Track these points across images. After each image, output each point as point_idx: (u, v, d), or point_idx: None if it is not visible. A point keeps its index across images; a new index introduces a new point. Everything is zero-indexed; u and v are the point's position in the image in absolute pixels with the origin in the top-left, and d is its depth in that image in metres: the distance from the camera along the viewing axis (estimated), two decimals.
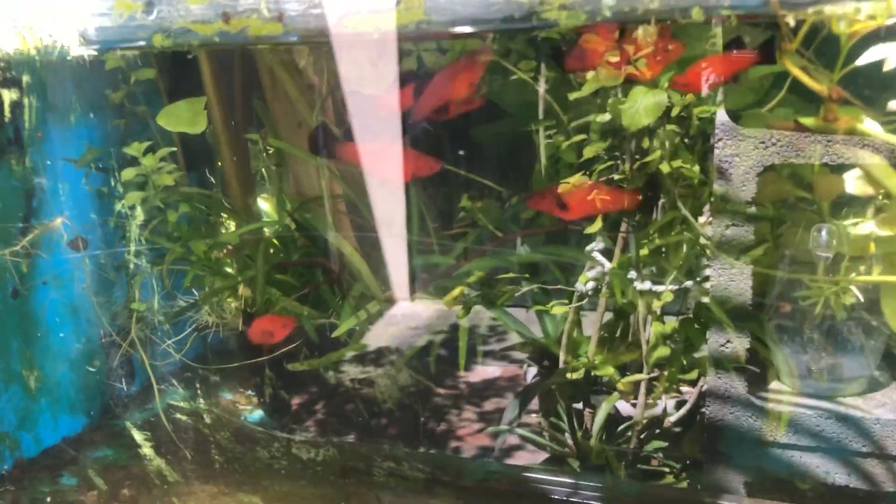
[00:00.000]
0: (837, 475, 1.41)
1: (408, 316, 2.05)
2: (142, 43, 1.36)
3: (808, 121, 1.16)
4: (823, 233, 1.31)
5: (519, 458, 1.79)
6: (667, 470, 1.66)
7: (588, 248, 1.56)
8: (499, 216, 1.79)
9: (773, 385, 1.50)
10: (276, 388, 1.93)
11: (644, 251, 1.51)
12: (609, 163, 1.47)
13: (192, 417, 1.98)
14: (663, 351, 1.56)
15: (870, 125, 1.26)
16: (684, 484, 1.64)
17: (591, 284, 1.56)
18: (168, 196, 1.75)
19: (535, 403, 1.75)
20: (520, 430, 1.75)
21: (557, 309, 1.59)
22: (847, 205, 1.38)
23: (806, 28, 1.08)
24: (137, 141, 1.73)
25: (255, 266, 1.74)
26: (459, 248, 1.72)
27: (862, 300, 1.36)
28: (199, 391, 1.99)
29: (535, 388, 1.75)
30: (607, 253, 1.55)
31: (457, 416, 1.97)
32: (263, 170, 2.04)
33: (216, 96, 1.86)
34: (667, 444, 1.65)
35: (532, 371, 1.82)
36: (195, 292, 1.88)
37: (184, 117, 1.71)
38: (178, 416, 1.97)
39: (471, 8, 1.17)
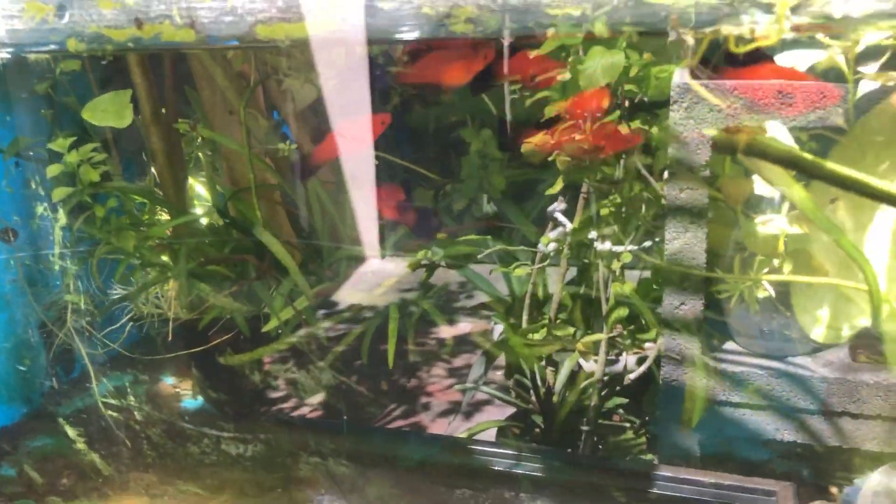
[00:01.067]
0: (786, 432, 1.52)
1: (378, 273, 2.07)
2: (55, 46, 1.34)
3: (710, 131, 1.19)
4: None
5: (487, 414, 1.87)
6: (627, 425, 1.75)
7: (550, 208, 1.58)
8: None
9: (727, 346, 1.58)
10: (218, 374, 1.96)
11: (604, 211, 1.55)
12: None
13: (131, 405, 2.00)
14: (622, 311, 1.61)
15: (778, 130, 1.30)
16: (642, 440, 1.73)
17: (552, 245, 1.60)
18: (97, 189, 1.75)
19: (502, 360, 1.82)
20: (486, 389, 1.80)
21: (519, 271, 1.65)
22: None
23: (705, 45, 1.11)
24: (70, 131, 1.72)
25: (188, 258, 1.74)
26: None
27: None
28: (137, 379, 2.00)
29: (500, 346, 1.79)
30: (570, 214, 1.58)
31: (427, 372, 2.03)
32: (200, 154, 2.04)
33: (145, 86, 1.84)
34: (627, 400, 1.71)
35: (499, 328, 1.85)
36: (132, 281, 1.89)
37: (109, 111, 1.70)
38: (116, 404, 1.98)
39: (379, 19, 1.18)
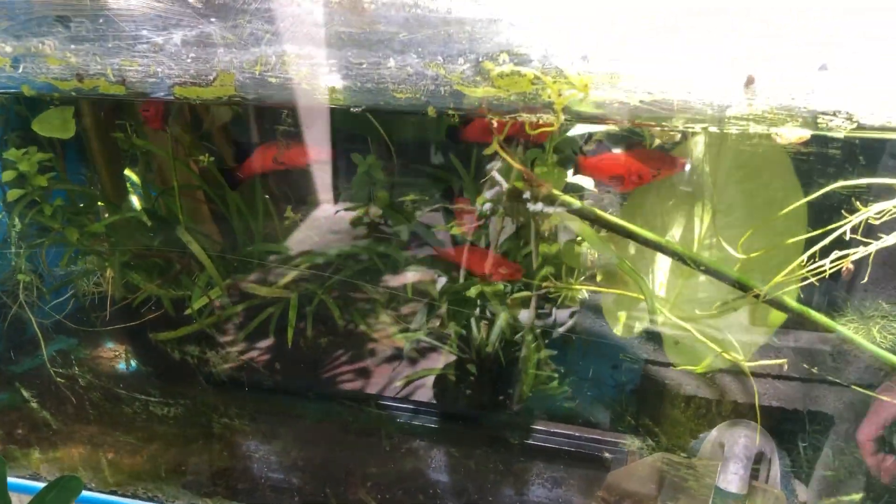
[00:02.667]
0: (688, 387, 1.87)
1: (331, 220, 2.22)
2: (12, 90, 1.67)
3: (519, 184, 1.58)
4: None
5: (429, 361, 2.13)
6: (555, 376, 2.01)
7: (488, 167, 1.75)
8: None
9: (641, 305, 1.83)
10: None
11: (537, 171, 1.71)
12: None
13: (75, 366, 2.35)
14: (548, 269, 1.86)
15: (584, 181, 1.70)
16: (566, 388, 2.04)
17: (488, 205, 1.80)
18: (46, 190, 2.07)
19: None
20: (426, 338, 2.07)
21: (456, 229, 1.90)
22: None
23: (508, 126, 1.49)
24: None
25: (123, 250, 2.09)
26: None
27: None
28: (77, 346, 2.35)
29: (441, 298, 2.02)
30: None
31: (374, 321, 2.22)
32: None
33: (87, 104, 2.15)
34: (555, 352, 1.97)
35: (442, 280, 2.06)
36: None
37: (55, 124, 2.01)
38: (63, 364, 2.33)
39: (269, 90, 1.53)
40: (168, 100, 1.77)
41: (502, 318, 1.94)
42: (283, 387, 2.23)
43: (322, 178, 2.05)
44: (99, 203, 2.24)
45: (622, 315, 1.86)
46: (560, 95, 1.37)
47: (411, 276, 2.15)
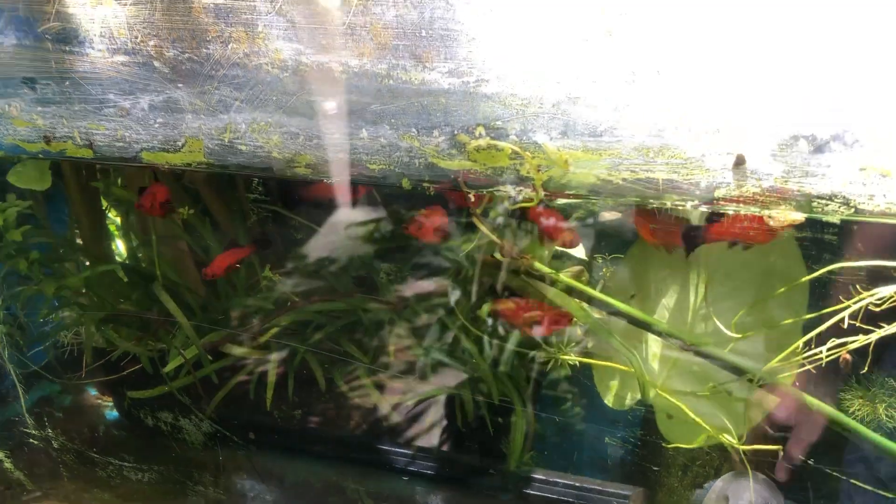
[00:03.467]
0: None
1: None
2: None
3: (498, 256, 1.50)
4: None
5: (442, 377, 2.01)
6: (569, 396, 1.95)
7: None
8: None
9: None
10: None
11: None
12: None
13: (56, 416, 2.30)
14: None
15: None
16: (579, 409, 1.96)
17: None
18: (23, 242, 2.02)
19: None
20: (439, 355, 1.99)
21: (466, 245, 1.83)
22: None
23: (487, 199, 1.41)
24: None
25: (103, 303, 2.03)
26: None
27: None
28: (57, 394, 2.30)
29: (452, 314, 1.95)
30: None
31: (388, 331, 2.12)
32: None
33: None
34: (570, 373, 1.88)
35: (456, 293, 1.97)
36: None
37: (31, 176, 1.96)
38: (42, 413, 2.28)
39: (239, 157, 1.47)
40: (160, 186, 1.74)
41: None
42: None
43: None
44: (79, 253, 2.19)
45: (613, 385, 1.78)
46: (539, 171, 1.30)
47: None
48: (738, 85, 1.18)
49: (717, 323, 1.49)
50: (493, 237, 1.43)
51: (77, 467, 2.16)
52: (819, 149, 1.18)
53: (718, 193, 1.25)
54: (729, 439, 1.50)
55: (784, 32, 1.13)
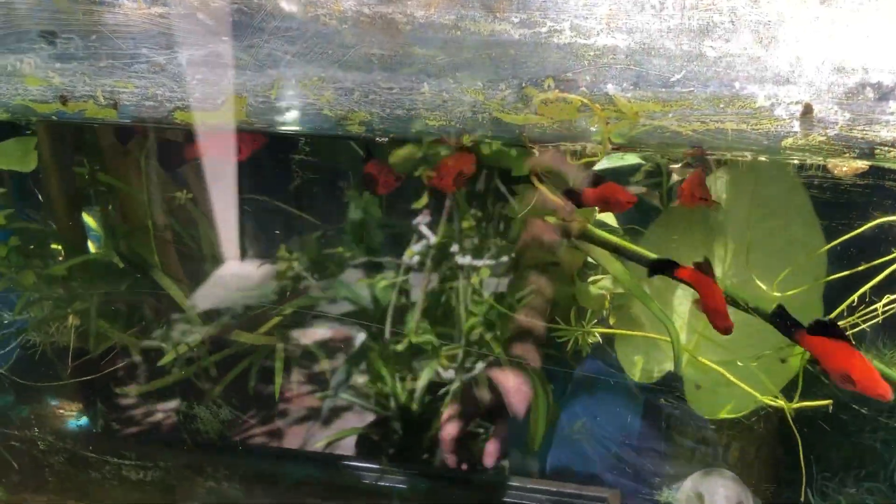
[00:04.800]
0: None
1: (237, 276, 2.12)
2: None
3: (551, 219, 1.49)
4: None
5: (347, 421, 1.97)
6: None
7: (415, 221, 1.71)
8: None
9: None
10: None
11: (466, 224, 1.71)
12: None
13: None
14: (475, 322, 1.78)
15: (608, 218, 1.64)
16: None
17: (416, 258, 1.73)
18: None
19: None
20: (346, 395, 1.93)
21: (383, 283, 1.80)
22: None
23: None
24: None
25: (84, 295, 1.89)
26: None
27: None
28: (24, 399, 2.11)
29: (362, 354, 1.91)
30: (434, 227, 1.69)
31: (286, 379, 2.05)
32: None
33: (46, 128, 1.95)
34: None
35: (361, 336, 1.96)
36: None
37: (15, 156, 1.81)
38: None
39: (281, 115, 1.40)
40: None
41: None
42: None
43: None
44: (53, 245, 2.03)
45: (639, 359, 1.79)
46: (608, 124, 1.30)
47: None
48: (806, 34, 1.22)
49: (759, 283, 1.52)
50: (555, 198, 1.41)
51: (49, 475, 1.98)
52: (884, 96, 1.23)
53: (786, 143, 1.28)
54: (774, 400, 1.51)
55: None
